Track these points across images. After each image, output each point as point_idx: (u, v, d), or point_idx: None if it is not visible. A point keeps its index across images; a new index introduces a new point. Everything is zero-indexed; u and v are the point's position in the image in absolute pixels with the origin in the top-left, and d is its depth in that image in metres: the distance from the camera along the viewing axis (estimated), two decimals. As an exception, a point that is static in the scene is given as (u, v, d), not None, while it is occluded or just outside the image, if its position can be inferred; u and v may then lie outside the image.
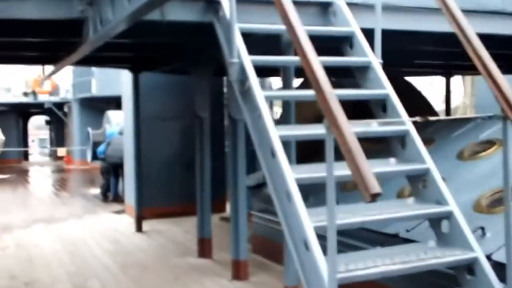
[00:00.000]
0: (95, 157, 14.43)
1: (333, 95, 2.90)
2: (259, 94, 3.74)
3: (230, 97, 5.97)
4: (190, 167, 10.49)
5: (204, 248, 7.23)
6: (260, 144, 3.73)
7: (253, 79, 3.87)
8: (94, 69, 25.63)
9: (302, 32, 3.22)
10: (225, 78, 11.17)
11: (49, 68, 7.99)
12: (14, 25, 5.38)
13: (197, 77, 7.18)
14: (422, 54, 8.07)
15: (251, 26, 4.37)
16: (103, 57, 7.44)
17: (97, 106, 25.75)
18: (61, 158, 30.54)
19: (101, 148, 13.44)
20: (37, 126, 45.70)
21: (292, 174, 3.38)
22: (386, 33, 4.35)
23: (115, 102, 24.88)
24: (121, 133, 13.05)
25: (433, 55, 8.26)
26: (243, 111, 3.98)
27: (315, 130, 3.58)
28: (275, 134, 3.54)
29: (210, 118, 7.54)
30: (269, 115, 3.69)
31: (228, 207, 10.56)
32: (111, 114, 14.88)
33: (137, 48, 7.22)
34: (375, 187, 2.60)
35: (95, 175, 20.13)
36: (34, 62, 8.36)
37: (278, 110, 15.08)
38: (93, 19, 4.44)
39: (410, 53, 7.60)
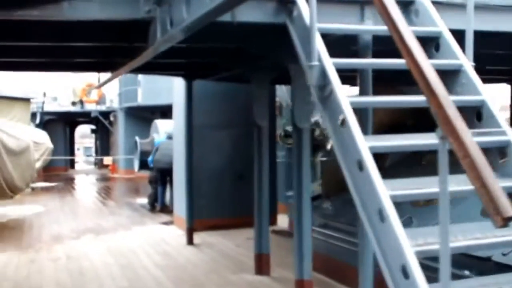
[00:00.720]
0: (142, 166, 14.17)
1: (449, 99, 2.46)
2: (344, 100, 3.32)
3: (294, 105, 5.56)
4: (241, 178, 10.16)
5: (262, 265, 6.80)
6: (344, 155, 3.29)
7: (336, 84, 3.45)
8: (140, 78, 25.69)
9: (408, 31, 2.79)
10: (277, 86, 10.88)
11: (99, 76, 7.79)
12: (73, 29, 5.10)
13: (256, 84, 6.80)
14: (491, 58, 7.52)
15: (330, 27, 3.95)
16: (157, 64, 7.09)
17: (143, 115, 25.70)
18: (106, 166, 30.61)
19: (150, 158, 13.18)
20: (82, 134, 46.11)
21: (385, 190, 2.94)
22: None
23: (160, 111, 24.87)
24: (169, 137, 12.80)
25: (502, 59, 7.67)
26: (324, 119, 3.56)
27: (415, 140, 3.13)
28: (364, 145, 3.10)
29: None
30: (356, 123, 3.26)
31: (279, 219, 10.21)
32: (159, 123, 14.60)
33: (192, 54, 6.85)
34: (508, 210, 2.15)
35: (140, 184, 20.00)
36: (89, 69, 8.06)
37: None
38: (162, 19, 4.09)
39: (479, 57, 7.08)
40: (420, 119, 6.05)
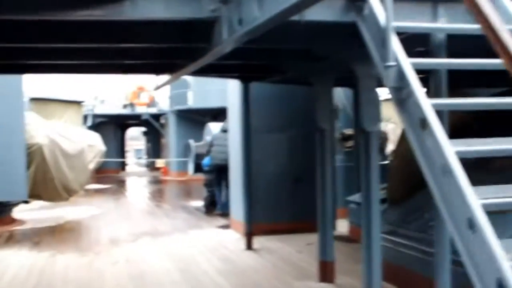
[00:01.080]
0: (196, 169, 14.21)
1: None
2: (425, 102, 3.17)
3: (361, 108, 5.41)
4: (298, 181, 10.05)
5: (326, 272, 6.66)
6: (425, 160, 3.14)
7: (415, 85, 3.31)
8: (190, 81, 25.88)
9: (504, 29, 2.63)
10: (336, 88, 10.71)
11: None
12: (131, 30, 5.06)
13: (319, 86, 6.67)
14: None
15: (407, 25, 3.80)
16: (213, 66, 6.98)
17: (193, 118, 25.86)
18: (157, 168, 30.90)
19: (205, 161, 13.18)
20: (132, 137, 46.68)
21: (476, 199, 2.78)
22: None
23: (211, 114, 24.97)
24: (224, 130, 12.69)
25: None
26: (403, 122, 3.41)
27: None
28: (450, 149, 2.95)
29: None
30: (439, 126, 3.11)
31: (338, 225, 10.03)
32: (213, 126, 14.63)
33: (250, 55, 6.72)
34: None
35: (193, 187, 20.12)
36: (147, 71, 7.98)
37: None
38: (229, 19, 4.01)
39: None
40: (487, 123, 5.85)
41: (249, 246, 8.84)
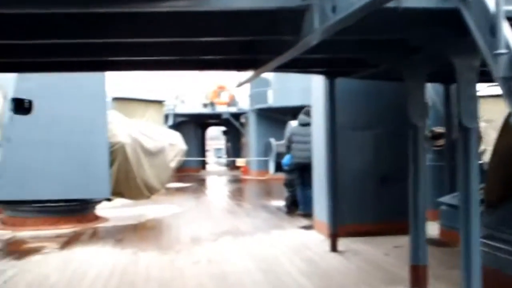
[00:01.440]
0: (278, 168, 14.04)
1: None
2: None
3: (460, 103, 5.06)
4: (384, 180, 9.70)
5: (419, 277, 6.30)
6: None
7: (530, 74, 3.00)
8: (271, 79, 25.87)
9: None
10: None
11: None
12: (212, 21, 4.89)
13: (411, 81, 6.33)
14: None
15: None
16: (297, 61, 6.69)
17: (274, 117, 25.79)
18: (237, 168, 31.04)
19: (285, 160, 13.02)
20: (211, 136, 47.19)
21: None
22: None
23: (291, 113, 24.77)
24: (302, 124, 12.43)
25: None
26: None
27: None
28: None
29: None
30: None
31: (427, 227, 9.59)
32: (294, 124, 14.42)
33: (337, 48, 6.41)
34: None
35: (273, 186, 20.04)
36: (228, 67, 7.79)
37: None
38: (321, 6, 3.78)
39: None
40: None
41: (333, 248, 8.57)
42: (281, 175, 14.23)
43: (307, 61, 7.57)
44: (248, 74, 7.23)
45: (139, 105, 22.35)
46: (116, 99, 21.32)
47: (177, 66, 7.48)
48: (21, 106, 10.94)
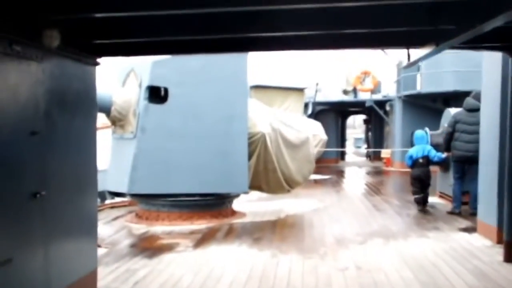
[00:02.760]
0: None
1: None
2: None
3: None
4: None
5: None
6: None
7: None
8: (421, 62, 24.47)
9: None
10: None
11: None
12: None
13: None
14: None
15: None
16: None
17: (422, 104, 24.43)
18: (378, 158, 29.84)
19: (413, 152, 12.50)
20: (348, 125, 46.09)
21: None
22: None
23: (442, 99, 23.30)
24: (469, 109, 11.34)
25: None
26: None
27: None
28: None
29: None
30: None
31: None
32: (454, 111, 13.17)
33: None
34: None
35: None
36: (396, 44, 6.47)
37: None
38: None
39: None
40: None
41: (508, 258, 7.42)
42: (434, 168, 13.09)
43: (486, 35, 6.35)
44: (419, 52, 6.12)
45: (278, 93, 21.99)
46: (254, 87, 21.10)
47: (335, 43, 6.28)
48: (156, 95, 10.75)
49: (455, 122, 11.59)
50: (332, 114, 31.33)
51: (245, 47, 6.73)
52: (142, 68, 11.16)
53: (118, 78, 11.86)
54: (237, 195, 12.21)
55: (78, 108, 6.01)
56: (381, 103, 28.56)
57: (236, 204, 12.48)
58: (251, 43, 6.33)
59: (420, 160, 12.46)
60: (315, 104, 28.61)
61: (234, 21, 5.28)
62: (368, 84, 29.36)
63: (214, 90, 11.13)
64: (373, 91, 29.46)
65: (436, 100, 23.73)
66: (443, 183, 13.63)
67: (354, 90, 29.88)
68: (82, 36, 5.76)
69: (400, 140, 25.33)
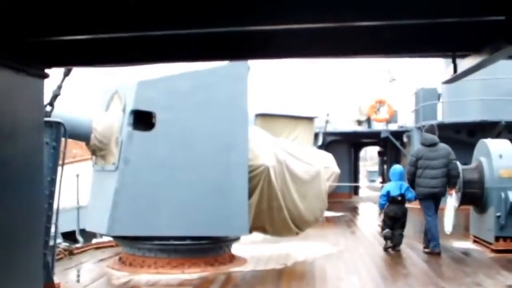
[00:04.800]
0: (466, 200, 11.37)
1: None
2: None
3: None
4: None
5: None
6: None
7: None
8: (440, 90, 23.42)
9: None
10: None
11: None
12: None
13: None
14: None
15: None
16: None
17: (444, 136, 23.00)
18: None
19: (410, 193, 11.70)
20: (361, 157, 44.67)
21: None
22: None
23: (466, 130, 21.87)
24: (431, 144, 11.31)
25: None
26: None
27: None
28: None
29: None
30: None
31: None
32: (490, 143, 11.67)
33: None
34: None
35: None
36: (438, 50, 4.89)
37: None
38: None
39: None
40: None
41: None
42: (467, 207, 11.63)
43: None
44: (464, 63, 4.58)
45: (286, 122, 20.78)
46: (260, 115, 19.90)
47: (359, 50, 4.66)
48: (142, 120, 9.47)
49: (417, 159, 11.52)
50: (345, 146, 29.85)
51: (245, 52, 5.23)
52: (126, 90, 9.80)
53: (102, 102, 10.51)
54: (237, 238, 10.69)
55: (17, 132, 4.55)
56: (397, 134, 27.12)
57: (236, 247, 10.97)
58: (252, 46, 4.85)
59: (399, 198, 11.91)
60: (326, 134, 27.21)
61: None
62: (384, 113, 27.95)
63: (209, 116, 9.70)
64: (388, 121, 28.05)
65: (460, 131, 22.34)
66: (478, 225, 12.02)
67: (368, 120, 28.46)
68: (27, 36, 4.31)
69: (419, 174, 23.85)
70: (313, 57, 5.03)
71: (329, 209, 20.15)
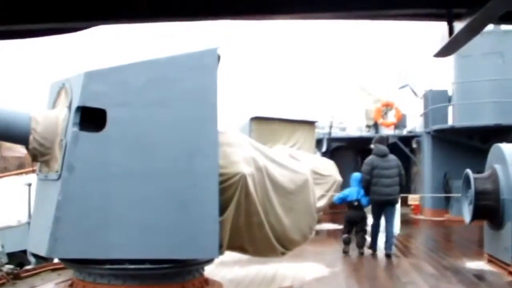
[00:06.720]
0: (478, 214, 9.75)
1: None
2: None
3: None
4: None
5: None
6: None
7: None
8: (451, 93, 22.05)
9: None
10: None
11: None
12: None
13: None
14: None
15: None
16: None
17: (456, 141, 21.47)
18: (405, 204, 26.62)
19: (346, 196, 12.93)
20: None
21: None
22: None
23: (479, 135, 20.31)
24: (383, 155, 12.11)
25: None
26: None
27: None
28: None
29: None
30: None
31: None
32: (506, 148, 10.04)
33: None
34: None
35: (458, 232, 15.99)
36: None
37: None
38: None
39: None
40: None
41: None
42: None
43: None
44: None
45: (284, 127, 19.69)
46: (255, 118, 18.70)
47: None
48: (90, 119, 7.87)
49: (372, 168, 12.22)
50: (350, 152, 28.24)
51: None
52: (73, 83, 8.26)
53: (48, 98, 9.01)
54: (210, 260, 9.09)
55: None
56: (406, 140, 25.57)
57: (213, 270, 9.40)
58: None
59: (355, 203, 12.89)
60: (330, 140, 25.66)
61: None
62: (391, 118, 26.39)
63: (171, 114, 8.12)
64: (396, 126, 26.47)
65: (472, 136, 20.81)
66: (494, 242, 10.37)
67: (375, 125, 26.88)
68: None
69: (430, 183, 22.41)
70: (298, 14, 3.57)
71: (330, 220, 18.71)
